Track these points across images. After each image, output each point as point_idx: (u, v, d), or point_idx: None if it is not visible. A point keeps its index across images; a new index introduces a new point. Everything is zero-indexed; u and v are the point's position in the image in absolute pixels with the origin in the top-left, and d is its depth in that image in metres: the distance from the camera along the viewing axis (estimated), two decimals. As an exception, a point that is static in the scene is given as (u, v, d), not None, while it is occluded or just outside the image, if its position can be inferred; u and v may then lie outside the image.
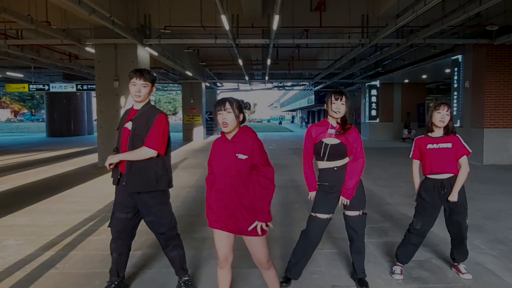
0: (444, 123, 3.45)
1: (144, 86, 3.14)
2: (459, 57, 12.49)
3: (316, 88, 29.96)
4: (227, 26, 9.48)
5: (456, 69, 12.77)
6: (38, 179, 9.38)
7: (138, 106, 3.22)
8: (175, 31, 11.93)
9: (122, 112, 11.06)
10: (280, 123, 66.86)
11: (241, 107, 2.62)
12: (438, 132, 3.53)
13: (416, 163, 3.69)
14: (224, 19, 8.86)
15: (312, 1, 11.07)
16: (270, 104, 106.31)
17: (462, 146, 3.49)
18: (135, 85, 3.14)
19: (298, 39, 12.44)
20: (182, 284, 3.37)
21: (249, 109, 2.68)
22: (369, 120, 23.13)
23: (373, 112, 23.00)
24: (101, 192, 7.68)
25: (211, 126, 27.08)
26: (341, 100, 3.27)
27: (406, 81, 21.63)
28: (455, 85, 12.86)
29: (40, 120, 56.46)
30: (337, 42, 13.00)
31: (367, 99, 23.14)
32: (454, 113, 12.88)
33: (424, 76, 19.78)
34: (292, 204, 6.72)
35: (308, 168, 3.48)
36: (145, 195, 3.13)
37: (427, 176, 3.57)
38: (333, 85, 27.14)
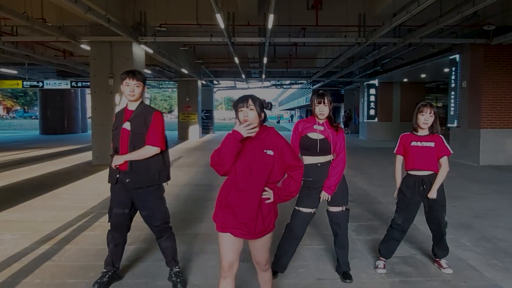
0: (428, 125, 3.56)
1: (137, 86, 3.27)
2: (457, 56, 12.45)
3: (314, 86, 29.89)
4: (222, 25, 9.43)
5: (453, 68, 12.73)
6: (31, 176, 9.33)
7: (132, 106, 3.33)
8: (171, 29, 11.87)
9: (116, 110, 11.10)
10: (278, 122, 66.68)
11: (263, 105, 2.55)
12: (423, 131, 3.64)
13: (399, 159, 3.81)
14: (219, 17, 8.81)
15: (309, 0, 11.01)
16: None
17: (444, 146, 3.60)
18: (128, 85, 3.25)
19: (294, 37, 12.38)
20: (173, 275, 3.48)
21: (270, 109, 2.60)
22: (367, 119, 22.92)
23: (372, 112, 22.77)
24: (95, 189, 7.64)
25: (207, 125, 26.98)
26: (323, 103, 3.39)
27: (405, 80, 21.50)
28: (453, 85, 12.82)
29: (33, 117, 55.71)
30: (334, 41, 12.94)
31: (366, 98, 22.95)
32: (451, 113, 12.86)
33: (423, 75, 19.69)
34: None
35: None
36: (142, 190, 3.25)
37: (408, 172, 3.71)
38: (332, 84, 27.16)
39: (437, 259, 3.91)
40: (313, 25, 10.92)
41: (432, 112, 3.52)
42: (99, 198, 6.81)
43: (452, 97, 12.84)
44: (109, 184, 3.38)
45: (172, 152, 15.14)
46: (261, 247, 2.62)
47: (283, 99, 70.12)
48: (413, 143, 3.62)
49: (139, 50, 11.76)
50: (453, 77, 12.78)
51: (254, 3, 10.35)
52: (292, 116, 74.20)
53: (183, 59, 17.58)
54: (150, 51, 12.18)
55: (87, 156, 12.51)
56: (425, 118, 3.53)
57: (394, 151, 3.82)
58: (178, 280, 3.43)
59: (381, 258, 3.85)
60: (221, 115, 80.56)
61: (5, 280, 3.54)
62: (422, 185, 3.60)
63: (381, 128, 22.38)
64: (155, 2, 11.02)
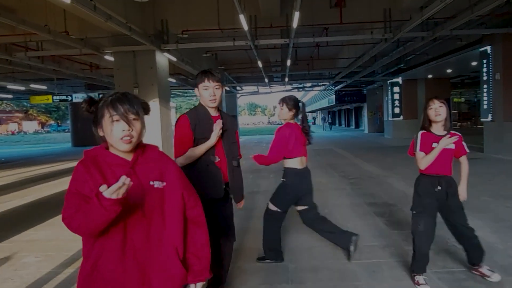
0: (441, 116, 3.22)
1: (217, 88, 2.91)
2: (488, 48, 11.97)
3: (336, 87, 29.50)
4: (245, 26, 9.28)
5: (485, 61, 12.23)
6: (60, 190, 9.24)
7: (214, 112, 3.00)
8: (193, 35, 11.80)
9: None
10: (301, 124, 65.90)
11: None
12: (438, 129, 3.29)
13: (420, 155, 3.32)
14: (242, 18, 8.65)
15: (332, -2, 10.80)
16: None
17: (463, 146, 3.35)
18: (207, 89, 2.89)
19: (318, 37, 12.14)
20: None
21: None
22: (392, 118, 22.51)
23: (397, 110, 22.37)
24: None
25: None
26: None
27: (430, 76, 20.90)
28: (485, 78, 12.31)
29: (66, 130, 57.61)
30: (359, 39, 12.63)
31: (390, 97, 22.56)
32: (485, 107, 12.35)
33: (449, 71, 19.09)
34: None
35: None
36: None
37: (423, 174, 3.35)
38: (354, 84, 26.75)
39: (476, 267, 3.45)
40: (337, 23, 10.67)
41: (440, 102, 3.21)
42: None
43: (485, 90, 12.32)
44: None
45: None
46: None
47: (305, 101, 69.42)
48: (435, 145, 3.23)
49: (163, 59, 11.73)
50: (484, 69, 12.27)
51: (276, 4, 10.18)
52: (314, 119, 73.65)
53: (206, 66, 17.53)
54: (174, 59, 12.14)
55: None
56: (435, 110, 3.20)
57: (418, 149, 3.34)
58: None
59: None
60: (245, 120, 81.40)
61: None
62: (439, 186, 3.27)
63: (407, 126, 21.70)
64: (174, 9, 10.97)
